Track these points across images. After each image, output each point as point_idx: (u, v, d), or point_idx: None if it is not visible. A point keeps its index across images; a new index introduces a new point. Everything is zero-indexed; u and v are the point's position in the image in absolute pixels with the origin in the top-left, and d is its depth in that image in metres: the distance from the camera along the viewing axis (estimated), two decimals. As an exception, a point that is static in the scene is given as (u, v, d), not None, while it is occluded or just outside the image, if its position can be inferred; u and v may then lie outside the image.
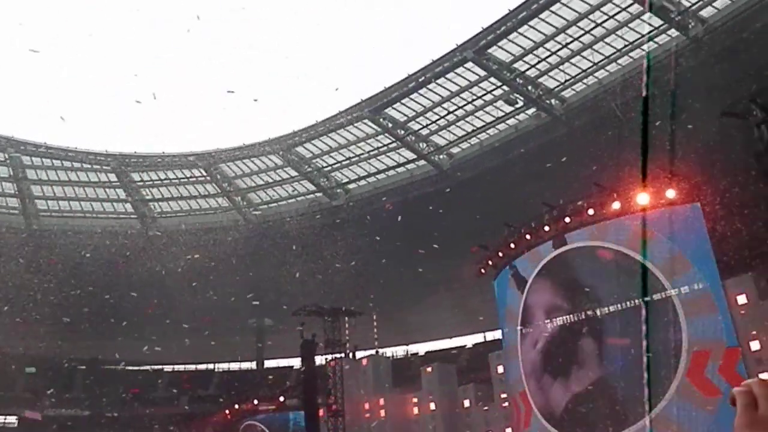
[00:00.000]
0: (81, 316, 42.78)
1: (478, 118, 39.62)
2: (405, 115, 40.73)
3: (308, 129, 42.11)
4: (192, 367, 52.34)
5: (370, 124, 41.54)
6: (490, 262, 34.39)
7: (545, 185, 33.60)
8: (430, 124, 40.66)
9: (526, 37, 34.84)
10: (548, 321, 30.93)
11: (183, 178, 44.93)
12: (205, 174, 44.71)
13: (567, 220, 30.36)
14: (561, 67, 35.34)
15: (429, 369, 41.17)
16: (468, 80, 38.04)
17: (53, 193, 44.16)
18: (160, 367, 51.50)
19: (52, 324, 42.23)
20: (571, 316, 30.13)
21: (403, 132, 41.24)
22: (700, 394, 24.97)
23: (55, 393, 45.23)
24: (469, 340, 47.74)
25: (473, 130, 40.04)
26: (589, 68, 34.77)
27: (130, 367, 49.14)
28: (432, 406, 39.88)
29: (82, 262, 42.46)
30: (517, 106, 37.49)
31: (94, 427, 45.17)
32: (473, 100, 38.73)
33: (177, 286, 41.97)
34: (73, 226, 44.05)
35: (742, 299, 25.73)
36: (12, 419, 43.99)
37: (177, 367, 52.05)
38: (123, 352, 46.44)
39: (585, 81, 35.66)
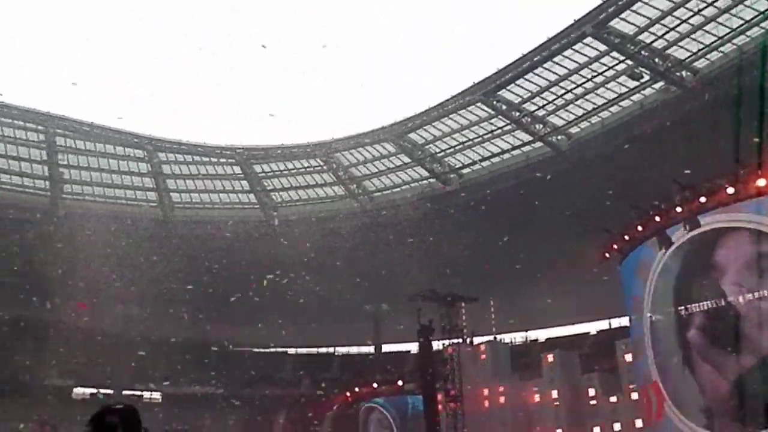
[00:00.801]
0: (212, 301, 44.66)
1: (599, 95, 36.91)
2: (520, 96, 38.75)
3: (421, 115, 41.16)
4: (314, 350, 53.46)
5: (483, 107, 39.97)
6: (615, 246, 32.01)
7: (674, 164, 30.69)
8: (546, 105, 38.41)
9: (652, 6, 31.83)
10: (681, 308, 28.19)
11: (301, 168, 45.49)
12: (322, 163, 45.07)
13: (702, 200, 27.46)
14: (693, 36, 32.00)
15: (550, 356, 39.24)
16: (587, 56, 35.52)
17: (186, 186, 46.25)
18: (284, 350, 53.03)
19: (187, 309, 44.43)
20: (707, 303, 27.24)
21: (518, 114, 39.29)
22: None
23: (192, 372, 47.67)
24: (592, 327, 45.21)
25: (594, 109, 37.40)
26: (726, 34, 31.21)
27: (257, 350, 50.92)
28: (554, 394, 38.00)
29: (212, 251, 44.25)
30: (643, 80, 34.50)
31: (226, 405, 47.16)
32: (593, 77, 36.08)
33: (298, 273, 42.69)
34: (204, 217, 45.95)
35: None
36: (156, 395, 46.89)
37: (300, 351, 53.39)
38: (250, 336, 48.13)
39: (722, 49, 32.07)
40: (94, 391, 45.78)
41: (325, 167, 45.19)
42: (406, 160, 43.60)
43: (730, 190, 26.30)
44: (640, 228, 30.22)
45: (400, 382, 43.59)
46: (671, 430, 27.25)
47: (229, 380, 47.58)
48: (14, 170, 44.48)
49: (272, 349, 52.23)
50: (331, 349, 53.75)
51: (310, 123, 69.80)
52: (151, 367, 46.35)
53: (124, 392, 45.23)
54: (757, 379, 24.21)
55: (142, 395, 46.07)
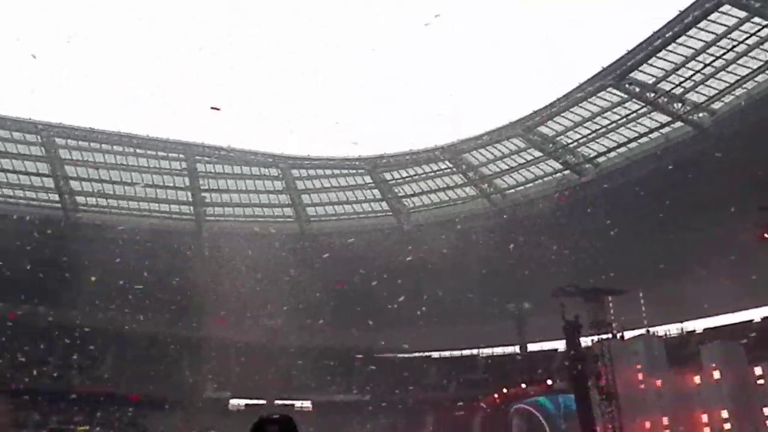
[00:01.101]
0: (354, 309, 47.38)
1: (742, 65, 35.94)
2: (653, 76, 38.46)
3: (548, 107, 41.75)
4: (458, 353, 54.93)
5: (614, 91, 39.97)
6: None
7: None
8: (683, 82, 37.85)
9: (796, -37, 30.89)
10: None
11: (430, 172, 47.24)
12: (451, 165, 46.62)
13: None
14: None
15: (710, 347, 38.29)
16: (725, 25, 34.76)
17: (319, 199, 49.53)
18: (428, 354, 54.93)
19: (330, 318, 47.43)
20: None
21: (653, 95, 38.97)
22: None
23: (339, 381, 50.66)
24: (755, 314, 43.38)
25: (738, 80, 36.41)
26: None
27: (401, 355, 53.14)
28: (718, 387, 37.00)
29: (349, 260, 46.97)
30: (792, 44, 33.39)
31: (374, 411, 49.57)
32: (734, 46, 35.20)
33: (436, 276, 44.39)
34: (338, 228, 48.99)
35: None
36: (307, 403, 50.19)
37: (444, 354, 55.06)
38: (393, 342, 50.35)
39: None
40: (249, 401, 49.74)
41: (454, 169, 46.75)
42: (537, 154, 44.26)
43: None
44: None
45: (549, 382, 43.96)
46: None
47: (376, 386, 50.07)
48: (161, 198, 49.59)
49: (416, 354, 54.40)
50: (475, 351, 54.94)
51: (434, 124, 70.52)
52: (299, 377, 49.79)
53: (276, 402, 48.77)
54: None
55: (293, 404, 49.49)
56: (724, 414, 35.85)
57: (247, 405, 49.61)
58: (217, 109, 38.22)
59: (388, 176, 48.11)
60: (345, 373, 52.01)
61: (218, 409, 48.62)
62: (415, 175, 47.53)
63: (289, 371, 49.02)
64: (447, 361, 54.68)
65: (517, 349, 53.29)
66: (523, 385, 44.71)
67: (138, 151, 46.84)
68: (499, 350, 54.59)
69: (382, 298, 46.14)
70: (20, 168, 45.62)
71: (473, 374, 51.83)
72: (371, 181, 48.21)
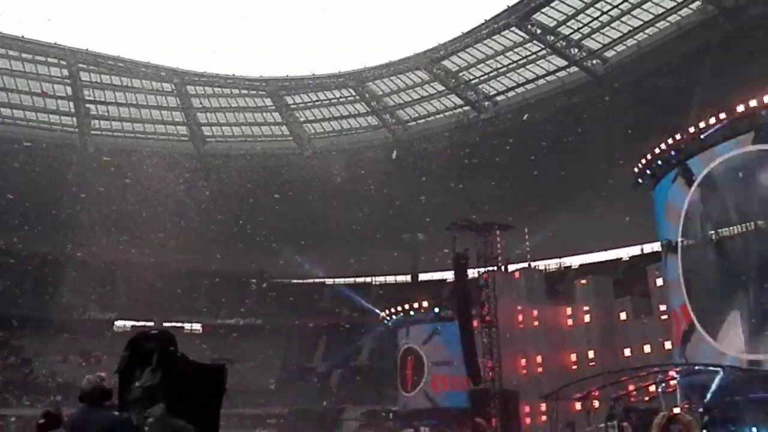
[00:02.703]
0: (247, 233, 49.14)
1: (634, 17, 39.26)
2: (555, 19, 41.07)
3: (454, 41, 43.80)
4: (351, 280, 58.36)
5: (517, 31, 42.46)
6: (647, 171, 35.07)
7: (713, 87, 33.51)
8: (581, 28, 40.94)
9: None
10: (716, 232, 30.68)
11: (333, 99, 48.72)
12: (354, 93, 48.23)
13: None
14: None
15: (583, 281, 43.21)
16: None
17: (216, 119, 50.01)
18: (321, 280, 58.05)
19: (223, 241, 48.98)
20: (745, 226, 29.36)
21: (553, 38, 41.92)
22: None
23: (231, 304, 52.89)
24: (624, 253, 49.23)
25: (629, 31, 39.86)
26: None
27: (295, 281, 55.79)
28: (587, 318, 42.22)
29: (245, 184, 48.36)
30: (680, 0, 36.94)
31: (265, 334, 52.45)
32: (631, -5, 38.36)
33: (332, 204, 46.71)
34: (236, 150, 49.94)
35: None
36: (197, 326, 52.32)
37: (337, 281, 58.40)
38: (287, 267, 52.74)
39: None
40: (135, 323, 51.08)
41: (357, 97, 48.44)
42: (440, 88, 46.68)
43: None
44: (673, 152, 33.29)
45: (436, 309, 47.87)
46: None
47: (268, 311, 52.77)
48: (39, 107, 48.16)
49: (310, 280, 57.36)
50: (369, 279, 58.64)
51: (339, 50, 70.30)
52: (190, 300, 51.54)
53: (165, 324, 50.35)
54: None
55: (182, 326, 51.43)
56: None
57: (133, 326, 50.92)
58: None
59: (289, 100, 49.17)
60: (237, 298, 54.23)
61: (103, 331, 49.66)
62: (317, 101, 48.86)
63: (179, 294, 50.49)
64: (342, 287, 58.04)
65: (408, 278, 57.30)
66: (412, 313, 48.52)
67: (11, 53, 44.85)
68: (391, 279, 58.58)
69: (278, 223, 48.15)
70: None
71: (365, 300, 55.39)
72: (272, 104, 49.14)
